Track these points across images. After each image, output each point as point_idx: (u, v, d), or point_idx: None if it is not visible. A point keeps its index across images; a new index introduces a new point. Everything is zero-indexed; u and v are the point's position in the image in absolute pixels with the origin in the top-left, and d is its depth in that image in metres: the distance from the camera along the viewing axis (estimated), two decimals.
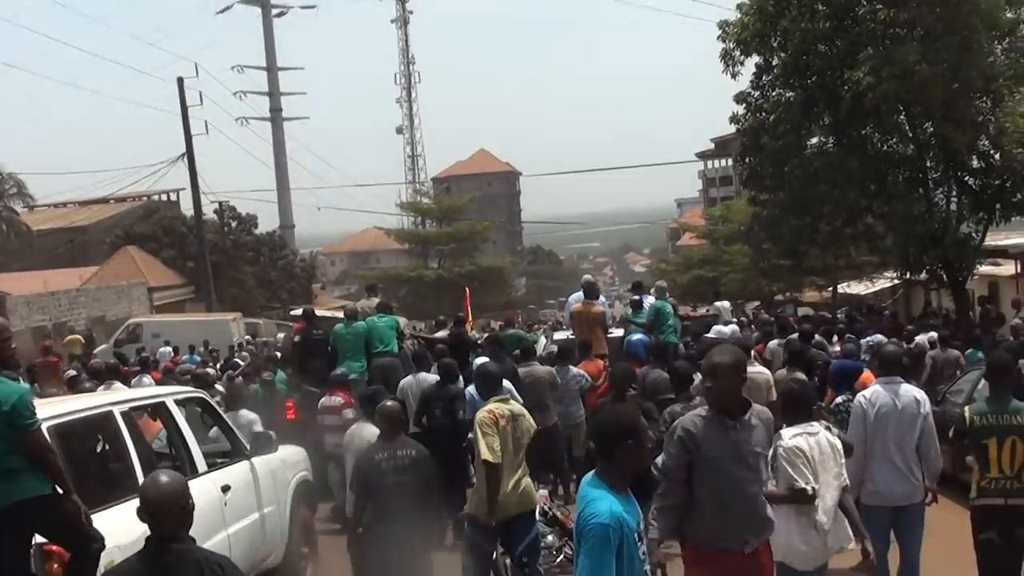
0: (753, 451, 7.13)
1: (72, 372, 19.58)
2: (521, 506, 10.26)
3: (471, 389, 13.97)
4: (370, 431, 10.90)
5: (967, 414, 9.27)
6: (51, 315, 46.98)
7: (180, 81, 49.03)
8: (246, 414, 15.10)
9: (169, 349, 34.14)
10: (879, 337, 18.73)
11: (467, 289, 40.89)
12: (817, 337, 18.59)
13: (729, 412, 7.08)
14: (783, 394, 9.19)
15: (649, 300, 20.70)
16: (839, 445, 8.37)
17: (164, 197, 72.93)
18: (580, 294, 20.20)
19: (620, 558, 5.55)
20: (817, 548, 7.89)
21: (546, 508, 12.24)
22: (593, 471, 5.90)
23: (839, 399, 11.94)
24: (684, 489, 7.09)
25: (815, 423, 8.39)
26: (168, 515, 5.31)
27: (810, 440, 8.07)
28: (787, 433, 8.16)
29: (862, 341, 18.14)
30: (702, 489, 7.08)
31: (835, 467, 8.21)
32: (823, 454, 8.12)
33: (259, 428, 14.87)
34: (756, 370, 13.69)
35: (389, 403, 10.37)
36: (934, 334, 20.69)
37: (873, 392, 9.96)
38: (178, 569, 5.19)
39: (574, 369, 16.58)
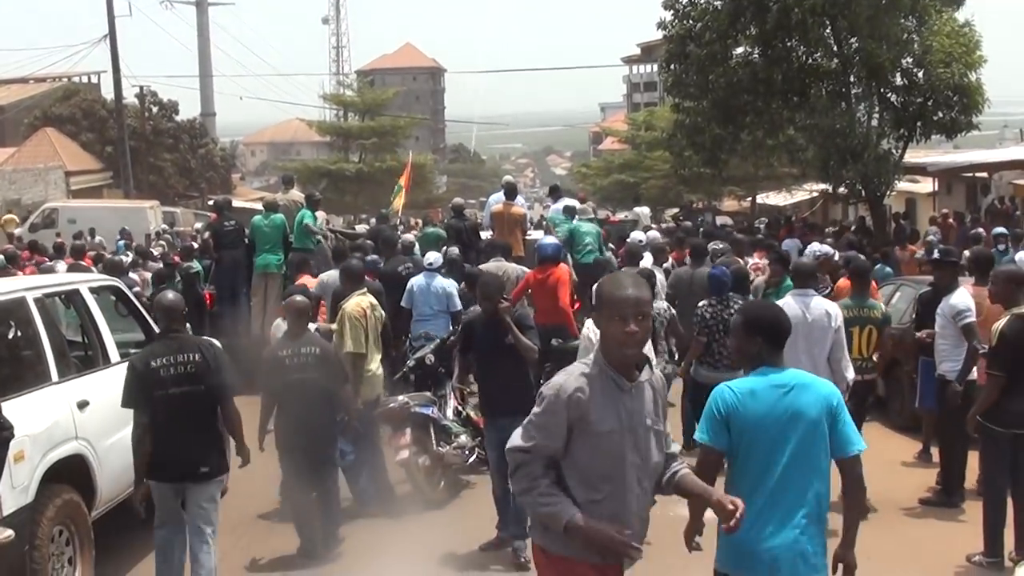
0: (645, 424, 5.18)
1: None
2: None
3: (447, 284, 14.39)
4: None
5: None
6: None
7: None
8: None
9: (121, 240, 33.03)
10: (826, 248, 18.98)
11: (411, 155, 40.70)
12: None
13: (628, 372, 5.14)
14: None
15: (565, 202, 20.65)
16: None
17: (84, 79, 71.16)
18: (500, 194, 20.20)
19: None
20: None
21: (459, 408, 12.29)
22: (761, 368, 5.74)
23: (700, 303, 12.44)
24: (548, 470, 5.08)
25: None
26: (173, 315, 8.44)
27: None
28: (588, 323, 9.77)
29: (808, 251, 18.36)
30: (575, 472, 5.08)
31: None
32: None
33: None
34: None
35: (298, 298, 10.31)
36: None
37: (784, 304, 10.19)
38: (183, 346, 8.31)
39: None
